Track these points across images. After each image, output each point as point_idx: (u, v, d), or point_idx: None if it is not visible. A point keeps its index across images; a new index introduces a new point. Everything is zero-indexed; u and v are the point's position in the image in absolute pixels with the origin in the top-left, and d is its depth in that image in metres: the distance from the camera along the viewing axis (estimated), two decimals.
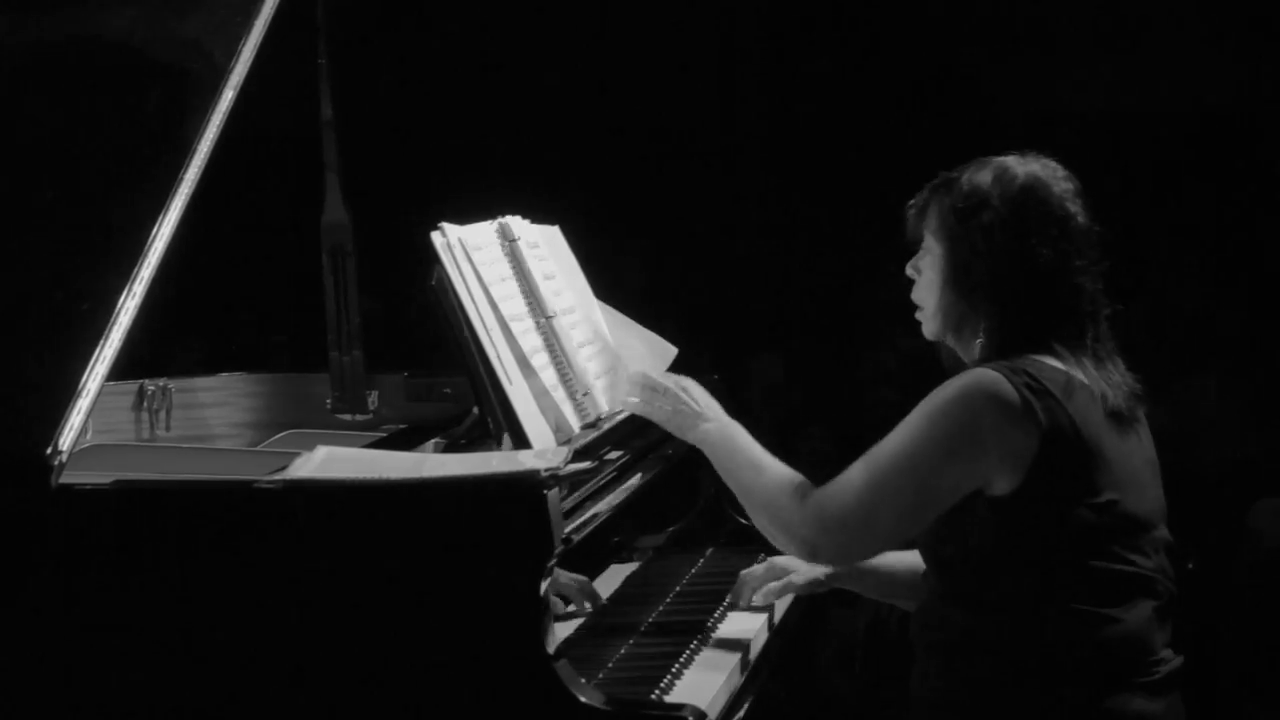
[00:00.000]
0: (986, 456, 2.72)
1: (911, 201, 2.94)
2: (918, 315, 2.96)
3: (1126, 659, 2.76)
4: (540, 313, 3.18)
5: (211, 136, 2.95)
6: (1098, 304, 2.85)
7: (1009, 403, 2.72)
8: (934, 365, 2.99)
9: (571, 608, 3.12)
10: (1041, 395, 2.72)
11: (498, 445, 2.99)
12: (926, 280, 2.91)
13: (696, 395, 3.05)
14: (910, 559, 3.03)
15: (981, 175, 2.85)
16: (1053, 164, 2.88)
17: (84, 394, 2.70)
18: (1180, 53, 6.92)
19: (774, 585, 3.20)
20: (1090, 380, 2.78)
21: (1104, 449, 2.75)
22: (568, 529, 2.65)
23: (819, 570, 3.17)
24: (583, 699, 2.55)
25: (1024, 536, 2.73)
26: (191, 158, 2.92)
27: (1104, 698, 2.74)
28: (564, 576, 3.09)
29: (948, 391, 2.77)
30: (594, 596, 3.17)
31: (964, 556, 2.78)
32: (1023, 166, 2.86)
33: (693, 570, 3.42)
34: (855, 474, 2.81)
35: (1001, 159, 2.88)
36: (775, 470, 2.93)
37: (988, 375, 2.75)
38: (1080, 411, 2.74)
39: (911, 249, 2.95)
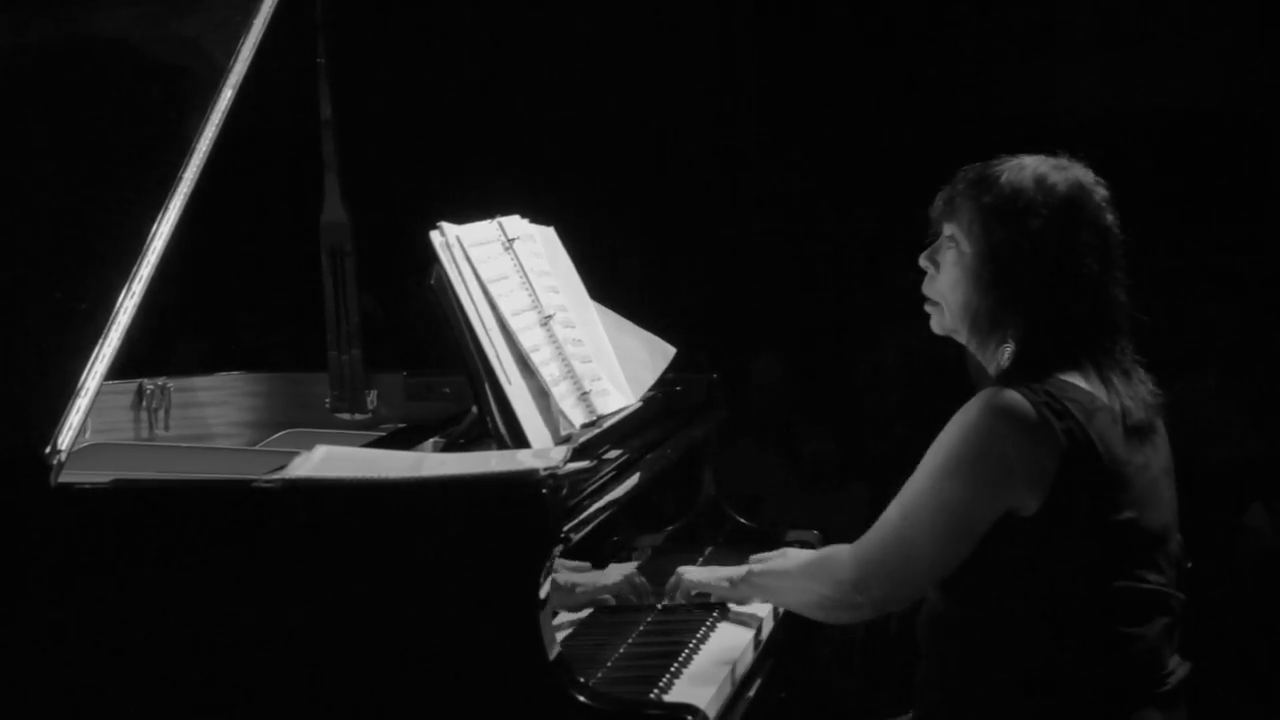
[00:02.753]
0: (1013, 478, 2.70)
1: (940, 192, 2.88)
2: (928, 308, 2.92)
3: (1141, 674, 2.76)
4: (539, 312, 3.18)
5: (211, 136, 2.95)
6: (1126, 316, 2.82)
7: (1029, 422, 2.69)
8: (933, 365, 2.98)
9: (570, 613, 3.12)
10: (1061, 415, 2.70)
11: (496, 445, 2.99)
12: (949, 276, 2.85)
13: (709, 580, 3.13)
14: None
15: (1022, 177, 2.79)
16: (1088, 170, 2.84)
17: (83, 393, 2.70)
18: (1180, 53, 6.93)
19: None
20: (1112, 398, 2.76)
21: (1123, 468, 2.73)
22: (566, 528, 2.65)
23: None
24: (581, 699, 2.55)
25: (1045, 556, 2.71)
26: (191, 157, 2.92)
27: (1116, 712, 2.74)
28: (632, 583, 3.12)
29: (968, 415, 2.74)
30: (644, 590, 3.18)
31: (986, 575, 2.76)
32: (1065, 172, 2.81)
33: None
34: (888, 514, 2.80)
35: (1034, 160, 2.83)
36: (808, 559, 2.97)
37: (1007, 395, 2.72)
38: (1100, 432, 2.72)
39: (919, 243, 2.92)
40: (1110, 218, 2.82)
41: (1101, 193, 2.83)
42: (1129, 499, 2.73)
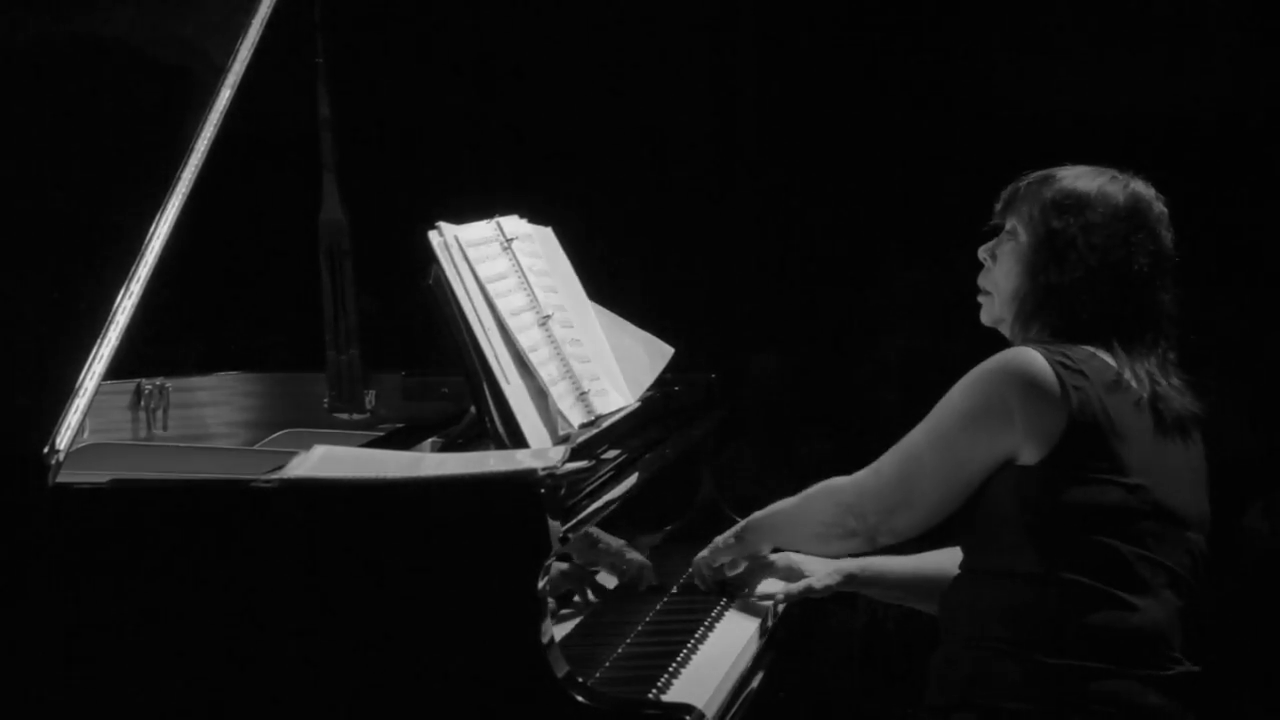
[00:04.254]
0: (1011, 428, 2.80)
1: (1005, 190, 2.99)
2: (980, 298, 3.03)
3: (1135, 647, 2.79)
4: (537, 312, 3.18)
5: (209, 135, 2.96)
6: (1173, 326, 2.94)
7: (1037, 377, 2.80)
8: (934, 365, 3.00)
9: (569, 611, 3.12)
10: (1074, 374, 2.80)
11: (495, 444, 2.99)
12: (1004, 265, 2.96)
13: (718, 542, 3.24)
14: (926, 562, 3.09)
15: (1085, 181, 2.92)
16: (1149, 185, 2.96)
17: (81, 393, 2.70)
18: (1180, 53, 6.92)
19: (793, 587, 3.22)
20: (1140, 379, 2.84)
21: (1134, 438, 2.81)
22: (565, 528, 2.65)
23: (835, 576, 3.19)
24: (579, 698, 2.55)
25: (1044, 504, 2.79)
26: (189, 157, 2.92)
27: (1106, 681, 2.76)
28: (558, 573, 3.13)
29: (981, 367, 2.86)
30: (593, 588, 3.20)
31: (986, 521, 2.85)
32: (1125, 182, 2.93)
33: (690, 570, 3.42)
34: (895, 448, 2.95)
35: (1097, 169, 2.95)
36: (807, 491, 3.11)
37: (1021, 351, 2.84)
38: (1115, 402, 2.81)
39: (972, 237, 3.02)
40: (1165, 231, 2.94)
41: (1160, 207, 2.96)
42: (1138, 466, 2.80)
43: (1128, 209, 2.90)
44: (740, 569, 3.28)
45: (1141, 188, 2.94)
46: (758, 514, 3.20)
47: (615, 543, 3.22)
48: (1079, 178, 2.93)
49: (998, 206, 3.01)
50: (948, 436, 2.86)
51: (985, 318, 3.03)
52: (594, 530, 3.11)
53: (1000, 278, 2.97)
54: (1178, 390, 2.90)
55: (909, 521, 2.94)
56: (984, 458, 2.84)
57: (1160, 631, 2.80)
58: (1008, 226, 2.97)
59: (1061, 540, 2.78)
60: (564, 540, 2.65)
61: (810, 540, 3.14)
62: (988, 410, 2.82)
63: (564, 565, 3.15)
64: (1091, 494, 2.78)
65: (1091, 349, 2.86)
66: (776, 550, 3.27)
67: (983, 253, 3.01)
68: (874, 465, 2.97)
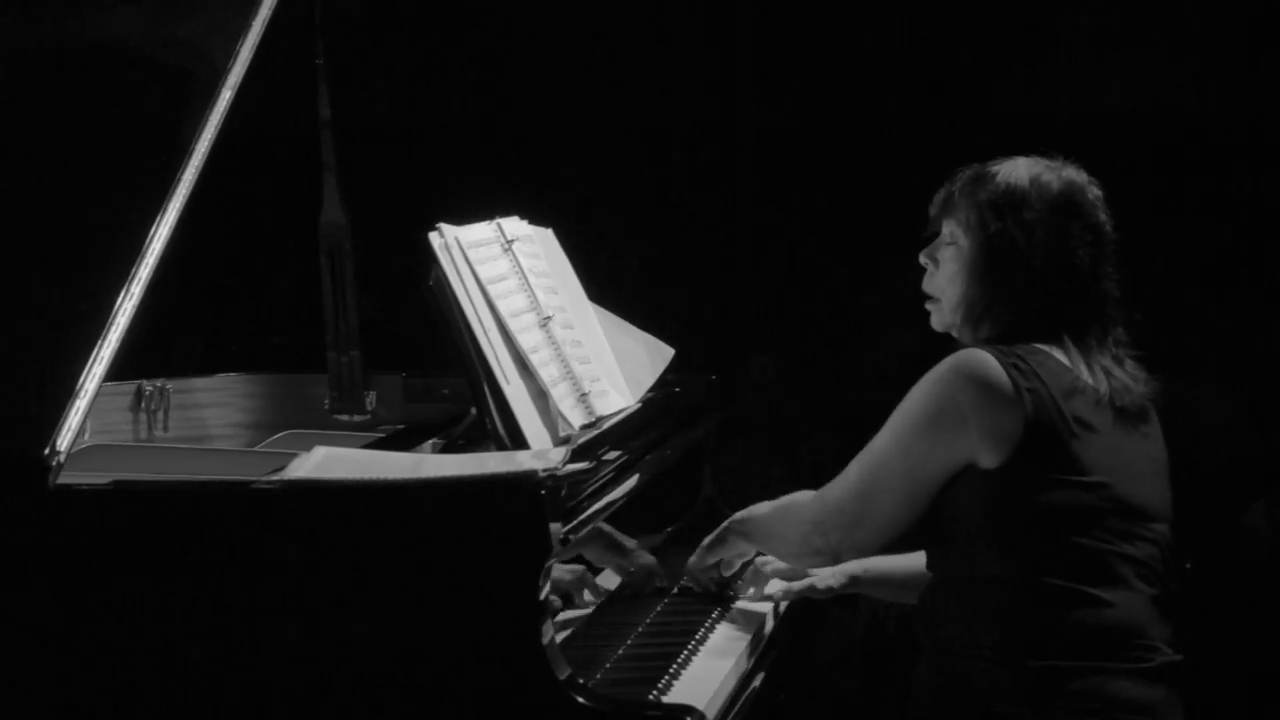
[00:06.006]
0: (967, 433, 2.78)
1: (938, 192, 2.97)
2: (929, 305, 3.00)
3: (1114, 642, 2.78)
4: (537, 313, 3.18)
5: (209, 137, 2.96)
6: (1119, 309, 2.90)
7: (991, 381, 2.78)
8: (933, 365, 2.99)
9: (569, 613, 3.12)
10: (1028, 376, 2.77)
11: (495, 446, 2.99)
12: (947, 271, 2.93)
13: (704, 543, 3.23)
14: (922, 561, 3.07)
15: (1017, 174, 2.89)
16: (1081, 171, 2.93)
17: (82, 394, 2.70)
18: (1179, 54, 6.92)
19: (795, 585, 3.22)
20: (1097, 377, 2.82)
21: (1092, 436, 2.79)
22: (565, 529, 2.65)
23: (839, 578, 3.19)
24: (580, 700, 2.55)
25: (1008, 508, 2.77)
26: (189, 158, 2.92)
27: (1090, 678, 2.76)
28: (559, 571, 3.12)
29: (933, 372, 2.84)
30: (595, 588, 3.19)
31: (954, 529, 2.83)
32: (1059, 171, 2.90)
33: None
34: (853, 463, 2.93)
35: (1028, 160, 2.92)
36: (780, 502, 3.09)
37: (974, 354, 2.82)
38: (1070, 401, 2.78)
39: (914, 240, 2.99)
40: (1103, 216, 2.91)
41: (1095, 191, 2.92)
42: (1098, 465, 2.78)
43: (1064, 200, 2.87)
44: (735, 568, 3.28)
45: (1074, 174, 2.91)
46: (738, 515, 3.18)
47: (629, 543, 3.22)
48: (1012, 173, 2.89)
49: (932, 210, 2.97)
50: (904, 444, 2.83)
51: (935, 324, 3.00)
52: (607, 528, 3.12)
53: (945, 284, 2.94)
54: (1132, 377, 2.88)
55: (871, 535, 2.91)
56: (941, 464, 2.81)
57: (1137, 624, 2.79)
58: (946, 230, 2.94)
59: (1028, 542, 2.77)
60: (565, 542, 2.65)
61: (784, 556, 3.15)
62: (942, 414, 2.79)
63: (568, 566, 3.15)
64: (1054, 496, 2.76)
65: (1045, 348, 2.83)
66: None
67: (923, 258, 2.98)
68: (836, 480, 2.95)
